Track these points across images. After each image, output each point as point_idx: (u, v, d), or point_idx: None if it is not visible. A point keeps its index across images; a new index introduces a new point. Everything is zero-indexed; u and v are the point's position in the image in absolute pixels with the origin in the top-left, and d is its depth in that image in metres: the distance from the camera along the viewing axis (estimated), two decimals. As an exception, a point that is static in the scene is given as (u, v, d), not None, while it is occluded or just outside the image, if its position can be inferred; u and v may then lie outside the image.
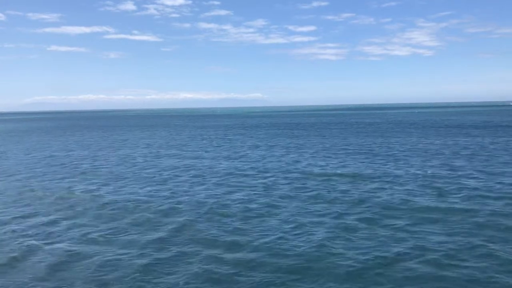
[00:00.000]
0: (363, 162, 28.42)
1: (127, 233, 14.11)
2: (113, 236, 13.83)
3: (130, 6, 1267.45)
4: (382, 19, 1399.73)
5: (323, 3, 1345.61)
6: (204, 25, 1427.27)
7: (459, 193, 18.37)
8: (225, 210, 16.64)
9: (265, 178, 23.56)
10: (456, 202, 16.90)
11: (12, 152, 40.82)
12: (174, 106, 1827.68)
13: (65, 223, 15.45)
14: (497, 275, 10.28)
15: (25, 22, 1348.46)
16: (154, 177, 24.91)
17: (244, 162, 30.38)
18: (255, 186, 21.21)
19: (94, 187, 21.96)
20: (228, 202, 17.98)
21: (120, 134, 66.91)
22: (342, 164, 28.03)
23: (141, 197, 19.27)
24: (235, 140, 49.87)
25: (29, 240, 13.46)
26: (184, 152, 37.85)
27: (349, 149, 36.60)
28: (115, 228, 14.70)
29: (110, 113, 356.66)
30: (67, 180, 24.38)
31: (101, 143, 49.64)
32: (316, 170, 25.74)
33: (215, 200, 18.41)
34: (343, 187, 20.33)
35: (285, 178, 23.37)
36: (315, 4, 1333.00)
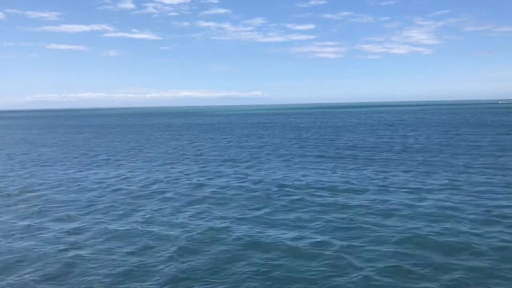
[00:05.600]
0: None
1: None
2: None
3: (129, 5, 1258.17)
4: (380, 17, 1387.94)
5: (321, 2, 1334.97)
6: (203, 23, 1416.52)
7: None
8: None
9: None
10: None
11: None
12: (175, 104, 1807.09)
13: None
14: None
15: (24, 20, 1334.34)
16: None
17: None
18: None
19: None
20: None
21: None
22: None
23: None
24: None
25: None
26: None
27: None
28: None
29: (106, 111, 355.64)
30: None
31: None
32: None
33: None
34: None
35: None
36: (313, 2, 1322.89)
